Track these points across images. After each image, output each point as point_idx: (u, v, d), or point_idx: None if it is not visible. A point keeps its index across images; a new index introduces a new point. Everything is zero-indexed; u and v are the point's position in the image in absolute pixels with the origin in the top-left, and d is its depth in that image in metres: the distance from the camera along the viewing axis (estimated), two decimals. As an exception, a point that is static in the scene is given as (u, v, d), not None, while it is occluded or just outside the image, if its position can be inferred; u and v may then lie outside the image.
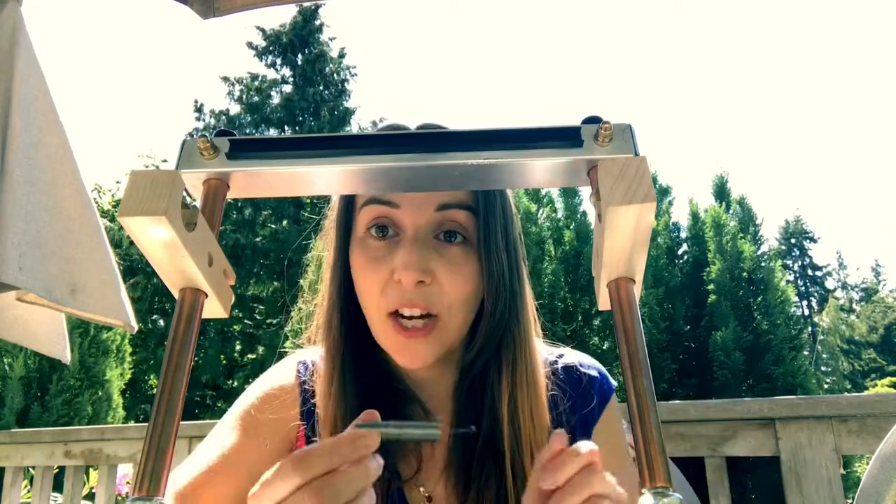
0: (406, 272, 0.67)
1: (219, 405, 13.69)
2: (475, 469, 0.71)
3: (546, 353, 0.82)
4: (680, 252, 7.20)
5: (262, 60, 16.87)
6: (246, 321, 14.62)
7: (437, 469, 0.76)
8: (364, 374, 0.74)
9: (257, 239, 14.47)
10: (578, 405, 0.78)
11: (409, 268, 0.67)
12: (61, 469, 2.51)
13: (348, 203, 0.77)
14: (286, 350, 0.88)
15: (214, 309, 0.51)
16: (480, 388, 0.75)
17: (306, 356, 0.83)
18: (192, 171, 0.50)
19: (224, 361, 14.14)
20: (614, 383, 0.83)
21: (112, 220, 11.61)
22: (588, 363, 0.83)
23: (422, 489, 0.75)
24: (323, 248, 0.83)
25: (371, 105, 64.70)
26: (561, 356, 0.83)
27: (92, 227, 1.39)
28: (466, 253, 0.72)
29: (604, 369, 0.84)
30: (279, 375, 0.82)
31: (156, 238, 0.44)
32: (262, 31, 16.76)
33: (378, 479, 0.48)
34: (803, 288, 34.14)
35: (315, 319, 0.81)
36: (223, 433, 0.77)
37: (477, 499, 0.71)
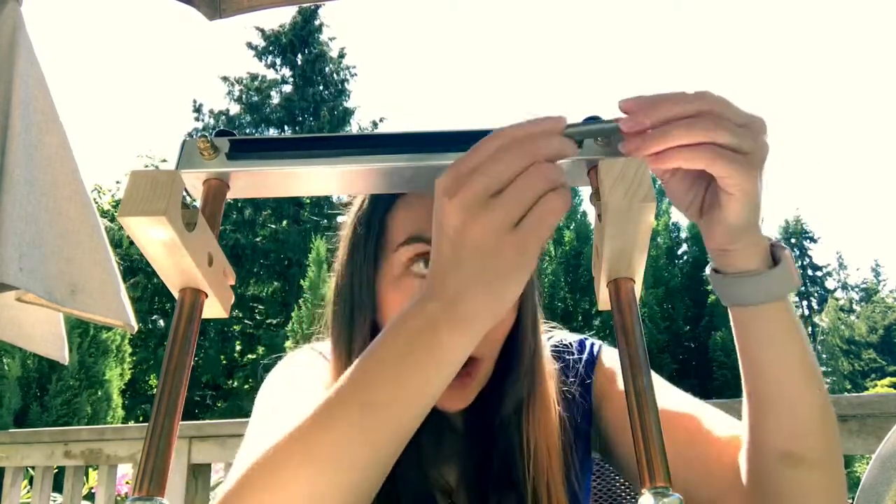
0: None
1: (219, 405, 13.69)
2: (492, 498, 0.70)
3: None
4: (680, 252, 7.21)
5: (261, 60, 16.88)
6: (246, 321, 14.63)
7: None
8: None
9: (257, 239, 14.48)
10: (573, 385, 0.78)
11: None
12: (61, 469, 2.51)
13: (377, 243, 0.70)
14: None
15: (214, 309, 0.51)
16: (492, 410, 0.73)
17: (319, 348, 0.80)
18: (192, 171, 0.50)
19: (224, 361, 14.15)
20: (596, 343, 0.82)
21: (112, 220, 11.61)
22: (569, 339, 0.83)
23: None
24: (338, 271, 0.77)
25: (371, 105, 64.90)
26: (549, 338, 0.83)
27: (92, 227, 1.39)
28: None
29: (583, 337, 0.84)
30: (301, 361, 0.79)
31: (156, 238, 0.44)
32: (262, 31, 16.77)
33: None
34: (803, 288, 34.15)
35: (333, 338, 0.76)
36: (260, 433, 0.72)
37: None
